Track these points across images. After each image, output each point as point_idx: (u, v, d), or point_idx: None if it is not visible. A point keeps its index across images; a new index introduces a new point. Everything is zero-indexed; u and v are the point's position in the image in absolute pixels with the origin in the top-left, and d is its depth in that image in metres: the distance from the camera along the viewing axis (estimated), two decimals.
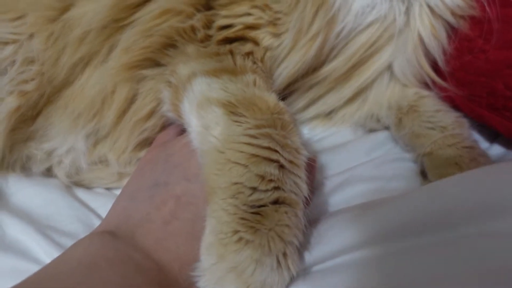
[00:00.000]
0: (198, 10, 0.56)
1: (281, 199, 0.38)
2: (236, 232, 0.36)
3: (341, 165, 0.60)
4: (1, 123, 0.52)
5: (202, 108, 0.45)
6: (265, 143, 0.40)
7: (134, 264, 0.38)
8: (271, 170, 0.39)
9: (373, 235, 0.40)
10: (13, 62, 0.52)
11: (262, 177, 0.38)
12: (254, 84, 0.49)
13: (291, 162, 0.41)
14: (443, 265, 0.34)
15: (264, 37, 0.57)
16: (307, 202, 0.41)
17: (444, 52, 0.61)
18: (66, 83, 0.55)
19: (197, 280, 0.36)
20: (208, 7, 0.57)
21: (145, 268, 0.38)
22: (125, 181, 0.52)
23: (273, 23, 0.57)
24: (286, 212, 0.37)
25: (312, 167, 0.44)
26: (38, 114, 0.55)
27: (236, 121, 0.42)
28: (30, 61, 0.53)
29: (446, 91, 0.62)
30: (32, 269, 0.37)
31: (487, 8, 0.56)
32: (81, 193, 0.58)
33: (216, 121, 0.43)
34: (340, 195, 0.55)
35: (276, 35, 0.57)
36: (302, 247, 0.39)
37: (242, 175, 0.38)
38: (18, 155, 0.56)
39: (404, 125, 0.62)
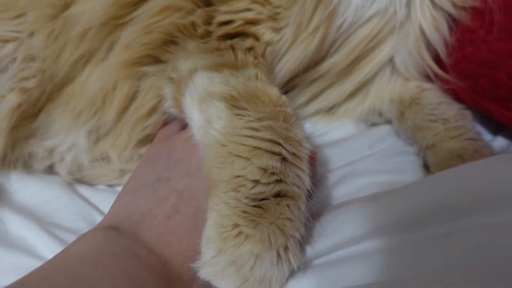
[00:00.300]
0: (198, 6, 0.55)
1: (283, 192, 0.38)
2: (236, 226, 0.36)
3: (344, 159, 0.60)
4: (2, 120, 0.52)
5: (204, 102, 0.45)
6: (267, 135, 0.40)
7: (137, 258, 0.38)
8: (273, 163, 0.38)
9: (376, 228, 0.39)
10: (14, 59, 0.52)
11: (264, 170, 0.38)
12: (256, 77, 0.49)
13: (293, 154, 0.40)
14: (446, 257, 0.34)
15: (265, 32, 0.57)
16: (309, 195, 0.41)
17: (446, 44, 0.61)
18: (67, 80, 0.55)
19: (198, 270, 0.36)
20: (208, 3, 0.57)
21: (148, 262, 0.38)
22: (126, 178, 0.52)
23: (273, 18, 0.56)
24: (288, 205, 0.37)
25: (313, 160, 0.43)
26: (39, 111, 0.55)
27: (238, 115, 0.42)
28: (31, 59, 0.53)
29: (449, 83, 0.62)
30: (35, 265, 0.37)
31: None
32: (83, 189, 0.58)
33: (218, 115, 0.43)
34: (342, 189, 0.55)
35: (277, 30, 0.57)
36: (304, 240, 0.39)
37: (244, 168, 0.38)
38: (20, 153, 0.57)
39: (406, 119, 0.62)
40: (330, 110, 0.68)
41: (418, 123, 0.61)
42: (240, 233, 0.35)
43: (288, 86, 0.63)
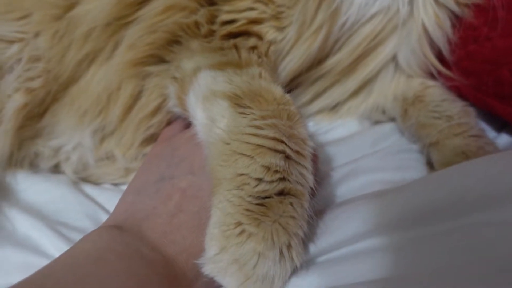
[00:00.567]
0: (202, 5, 0.56)
1: (287, 190, 0.38)
2: (239, 224, 0.36)
3: (347, 157, 0.60)
4: (9, 120, 0.53)
5: (208, 101, 0.45)
6: (271, 133, 0.40)
7: (141, 257, 0.38)
8: (277, 161, 0.38)
9: (379, 225, 0.39)
10: (19, 60, 0.53)
11: (267, 168, 0.38)
12: (260, 76, 0.49)
13: (297, 152, 0.40)
14: (449, 254, 0.34)
15: (268, 31, 0.57)
16: (313, 193, 0.41)
17: (449, 42, 0.61)
18: (72, 80, 0.55)
19: (202, 266, 0.36)
20: (212, 2, 0.57)
21: (152, 260, 0.39)
22: (131, 177, 0.52)
23: (276, 17, 0.56)
24: (291, 203, 0.37)
25: (315, 157, 0.43)
26: (45, 111, 0.56)
27: (241, 113, 0.42)
28: (36, 59, 0.53)
29: (452, 80, 0.62)
30: (42, 263, 0.37)
31: None
32: (88, 188, 0.59)
33: (221, 113, 0.43)
34: (345, 186, 0.55)
35: (280, 29, 0.57)
36: (307, 238, 0.39)
37: (248, 166, 0.38)
38: (26, 152, 0.57)
39: (410, 116, 0.62)
40: (334, 108, 0.68)
41: (422, 120, 0.61)
42: (243, 231, 0.35)
43: (292, 85, 0.63)
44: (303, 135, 0.42)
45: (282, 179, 0.38)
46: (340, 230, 0.41)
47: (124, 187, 0.52)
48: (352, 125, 0.68)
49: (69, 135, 0.57)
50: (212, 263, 0.36)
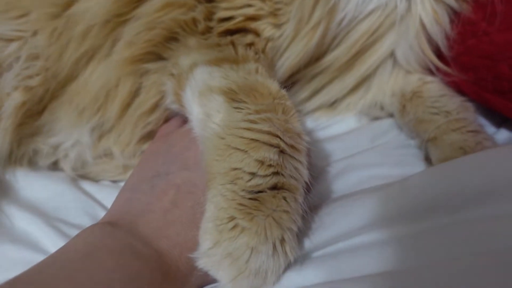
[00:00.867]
0: (200, 2, 0.56)
1: (280, 185, 0.38)
2: (232, 218, 0.36)
3: (345, 152, 0.60)
4: (8, 118, 0.53)
5: (204, 96, 0.45)
6: (265, 127, 0.40)
7: (133, 251, 0.38)
8: (271, 155, 0.38)
9: (375, 220, 0.40)
10: (18, 58, 0.53)
11: (261, 162, 0.38)
12: (257, 72, 0.49)
13: (292, 147, 0.40)
14: (446, 248, 0.34)
15: (265, 28, 0.57)
16: (308, 188, 0.41)
17: (447, 37, 0.60)
18: (70, 78, 0.55)
19: (196, 260, 0.36)
20: None
21: (144, 255, 0.39)
22: (130, 174, 0.53)
23: (274, 13, 0.57)
24: (284, 198, 0.37)
25: (309, 152, 0.43)
26: (43, 109, 0.56)
27: (236, 108, 0.42)
28: (35, 57, 0.53)
29: (451, 76, 0.62)
30: (40, 260, 0.37)
31: None
32: (87, 185, 0.59)
33: (217, 109, 0.43)
34: (342, 182, 0.55)
35: (277, 26, 0.57)
36: (302, 233, 0.40)
37: (242, 160, 0.38)
38: (26, 150, 0.57)
39: (408, 112, 0.62)
40: (332, 105, 0.68)
41: (420, 116, 0.61)
42: (236, 225, 0.36)
43: (290, 82, 0.63)
44: (298, 130, 0.42)
45: (276, 173, 0.38)
46: (336, 225, 0.41)
47: (123, 184, 0.52)
48: (350, 122, 0.68)
49: (68, 132, 0.57)
50: (206, 257, 0.36)
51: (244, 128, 0.40)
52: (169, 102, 0.56)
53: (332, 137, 0.65)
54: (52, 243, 0.50)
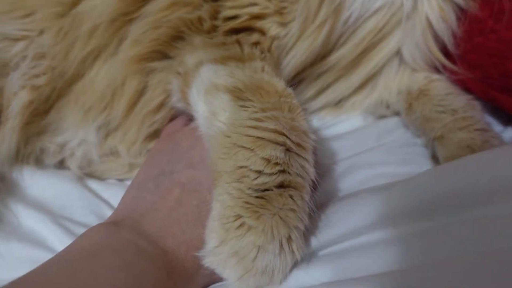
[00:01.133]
0: (205, 1, 0.56)
1: (287, 183, 0.38)
2: (239, 217, 0.36)
3: (351, 151, 0.60)
4: (15, 117, 0.53)
5: (210, 94, 0.45)
6: (271, 125, 0.40)
7: (138, 250, 0.39)
8: (277, 153, 0.38)
9: (381, 219, 0.39)
10: (24, 57, 0.53)
11: (267, 161, 0.38)
12: (263, 70, 0.49)
13: (298, 145, 0.40)
14: (453, 247, 0.34)
15: (271, 26, 0.57)
16: (314, 186, 0.41)
17: (454, 35, 0.60)
18: (77, 76, 0.56)
19: (202, 259, 0.37)
20: None
21: (149, 253, 0.39)
22: (135, 172, 0.53)
23: (279, 12, 0.56)
24: (291, 196, 0.37)
25: (316, 150, 0.43)
26: (50, 108, 0.56)
27: (242, 106, 0.42)
28: (41, 56, 0.54)
29: (457, 74, 0.61)
30: (47, 258, 0.38)
31: None
32: (93, 184, 0.59)
33: (223, 107, 0.43)
34: (348, 180, 0.54)
35: (283, 24, 0.57)
36: (309, 231, 0.39)
37: (248, 158, 0.38)
38: (32, 148, 0.57)
39: (414, 110, 0.62)
40: (338, 103, 0.68)
41: (427, 114, 0.60)
42: (242, 224, 0.36)
43: (295, 80, 0.63)
44: (304, 128, 0.42)
45: (282, 171, 0.38)
46: (343, 224, 0.41)
47: (129, 182, 0.52)
48: (356, 120, 0.68)
49: (74, 131, 0.57)
50: (212, 256, 0.36)
51: (250, 127, 0.40)
52: (175, 100, 0.56)
53: (338, 136, 0.65)
54: (59, 241, 0.50)
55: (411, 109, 0.63)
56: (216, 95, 0.45)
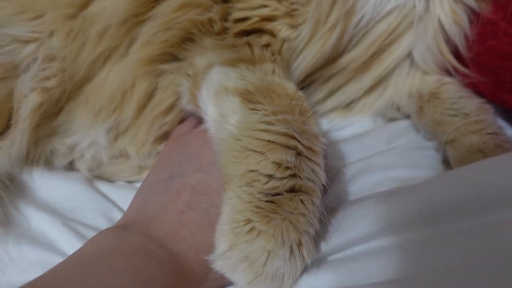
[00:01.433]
0: (216, 3, 0.56)
1: (297, 187, 0.37)
2: (249, 221, 0.36)
3: (361, 154, 0.59)
4: (25, 119, 0.53)
5: (220, 97, 0.45)
6: (282, 129, 0.39)
7: (146, 253, 0.38)
8: (288, 157, 0.38)
9: (392, 224, 0.39)
10: (35, 59, 0.53)
11: (278, 165, 0.38)
12: (273, 72, 0.49)
13: (309, 148, 0.40)
14: (464, 253, 0.34)
15: (281, 28, 0.57)
16: (325, 190, 0.40)
17: (466, 38, 0.60)
18: (87, 78, 0.56)
19: (212, 263, 0.36)
20: None
21: (158, 257, 0.39)
22: (145, 174, 0.53)
23: (290, 14, 0.56)
24: (302, 201, 0.37)
25: (326, 154, 0.43)
26: (60, 110, 0.56)
27: (253, 109, 0.42)
28: (51, 58, 0.54)
29: (469, 77, 0.61)
30: (57, 261, 0.38)
31: None
32: (102, 186, 0.59)
33: (233, 109, 0.43)
34: (359, 184, 0.54)
35: (294, 27, 0.57)
36: (319, 236, 0.39)
37: (258, 162, 0.38)
38: (42, 150, 0.57)
39: (425, 113, 0.62)
40: (348, 105, 0.68)
41: (438, 117, 0.60)
42: (252, 228, 0.35)
43: (306, 82, 0.63)
44: (315, 131, 0.42)
45: (293, 175, 0.38)
46: (353, 229, 0.40)
47: (138, 185, 0.52)
48: (366, 123, 0.67)
49: (84, 133, 0.57)
50: (222, 260, 0.36)
51: (261, 130, 0.40)
52: (185, 102, 0.56)
53: (348, 138, 0.64)
54: (69, 244, 0.50)
55: (422, 112, 0.62)
56: (226, 97, 0.44)
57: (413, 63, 0.63)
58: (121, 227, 0.42)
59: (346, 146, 0.61)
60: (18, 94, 0.54)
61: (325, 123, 0.67)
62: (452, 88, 0.62)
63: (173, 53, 0.56)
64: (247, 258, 0.35)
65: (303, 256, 0.36)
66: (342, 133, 0.66)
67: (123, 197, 0.57)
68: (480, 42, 0.59)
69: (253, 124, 0.41)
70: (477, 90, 0.62)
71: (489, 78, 0.59)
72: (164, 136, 0.59)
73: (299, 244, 0.36)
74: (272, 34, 0.57)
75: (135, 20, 0.54)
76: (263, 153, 0.38)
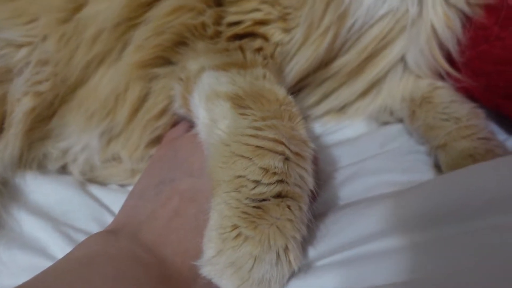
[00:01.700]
0: (209, 6, 0.56)
1: (284, 193, 0.37)
2: (236, 227, 0.36)
3: (354, 157, 0.59)
4: (18, 123, 0.54)
5: (210, 101, 0.45)
6: (271, 134, 0.39)
7: (134, 259, 0.39)
8: (275, 163, 0.38)
9: (382, 229, 0.39)
10: (28, 63, 0.53)
11: (266, 170, 0.38)
12: (264, 77, 0.49)
13: (297, 154, 0.40)
14: (457, 258, 0.34)
15: (274, 32, 0.57)
16: (313, 196, 0.40)
17: (459, 42, 0.60)
18: (80, 82, 0.56)
19: (200, 268, 0.36)
20: (219, 3, 0.57)
21: (145, 262, 0.39)
22: (138, 178, 0.53)
23: (283, 18, 0.56)
24: (289, 206, 0.37)
25: (316, 160, 0.43)
26: (53, 113, 0.56)
27: (242, 114, 0.42)
28: (44, 62, 0.54)
29: (461, 82, 0.61)
30: (48, 265, 0.38)
31: None
32: (95, 189, 0.59)
33: (223, 115, 0.43)
34: (350, 188, 0.54)
35: (287, 30, 0.57)
36: (306, 242, 0.39)
37: (246, 168, 0.38)
38: (35, 154, 0.58)
39: (417, 117, 0.62)
40: (341, 109, 0.68)
41: (430, 122, 0.60)
42: (239, 234, 0.35)
43: (299, 86, 0.63)
44: (304, 137, 0.42)
45: (280, 181, 0.38)
46: (342, 234, 0.40)
47: (131, 188, 0.52)
48: (359, 126, 0.67)
49: (77, 137, 0.57)
50: (210, 265, 0.36)
51: (250, 135, 0.40)
52: (177, 106, 0.56)
53: (340, 142, 0.64)
54: (60, 248, 0.50)
55: (414, 116, 0.62)
56: (217, 102, 0.45)
57: (406, 67, 0.63)
58: (110, 232, 0.42)
59: (339, 150, 0.61)
60: (11, 98, 0.54)
61: (318, 127, 0.67)
62: (444, 93, 0.62)
63: (166, 57, 0.56)
64: (233, 263, 0.35)
65: (290, 262, 0.36)
66: (335, 136, 0.66)
67: (115, 200, 0.57)
68: (472, 46, 0.59)
69: (242, 129, 0.41)
70: (469, 94, 0.62)
71: (482, 83, 0.59)
72: (157, 140, 0.59)
73: (286, 249, 0.36)
74: (265, 38, 0.57)
75: (128, 24, 0.55)
76: (250, 159, 0.38)
